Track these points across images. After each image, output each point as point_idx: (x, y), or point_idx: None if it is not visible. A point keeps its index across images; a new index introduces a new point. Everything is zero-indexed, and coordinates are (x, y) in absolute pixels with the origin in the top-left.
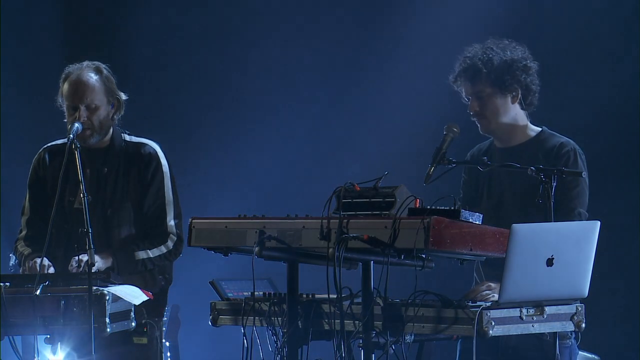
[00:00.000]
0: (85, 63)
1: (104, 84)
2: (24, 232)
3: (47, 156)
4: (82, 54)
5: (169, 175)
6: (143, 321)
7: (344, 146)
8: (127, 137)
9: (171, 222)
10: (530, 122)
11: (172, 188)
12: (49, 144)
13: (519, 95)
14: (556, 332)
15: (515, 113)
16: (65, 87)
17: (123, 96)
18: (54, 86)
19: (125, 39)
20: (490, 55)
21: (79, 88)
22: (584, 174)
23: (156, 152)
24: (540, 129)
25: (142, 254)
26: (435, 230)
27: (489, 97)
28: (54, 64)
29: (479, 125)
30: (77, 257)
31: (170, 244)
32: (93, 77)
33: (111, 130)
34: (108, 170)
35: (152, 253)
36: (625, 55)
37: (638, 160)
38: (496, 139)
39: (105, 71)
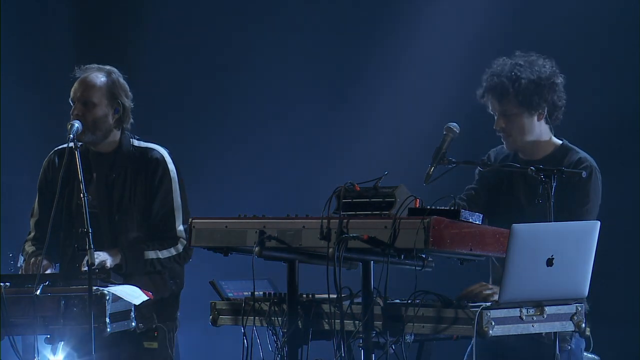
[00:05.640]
0: (99, 66)
1: (107, 86)
2: (32, 234)
3: (56, 159)
4: (91, 57)
5: (177, 180)
6: (154, 326)
7: (344, 146)
8: (136, 142)
9: (180, 227)
10: (554, 135)
11: (180, 193)
12: (59, 147)
13: (545, 113)
14: (556, 334)
15: (540, 130)
16: (74, 85)
17: (129, 103)
18: (60, 89)
19: (133, 40)
20: (518, 74)
21: (81, 85)
22: (584, 174)
23: (163, 158)
24: (560, 142)
25: (151, 254)
26: (435, 230)
27: (515, 116)
28: (62, 67)
29: (504, 143)
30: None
31: (180, 247)
32: (99, 78)
33: (119, 135)
34: (116, 175)
35: (162, 254)
36: (626, 57)
37: (638, 161)
38: (520, 152)
39: (114, 75)
